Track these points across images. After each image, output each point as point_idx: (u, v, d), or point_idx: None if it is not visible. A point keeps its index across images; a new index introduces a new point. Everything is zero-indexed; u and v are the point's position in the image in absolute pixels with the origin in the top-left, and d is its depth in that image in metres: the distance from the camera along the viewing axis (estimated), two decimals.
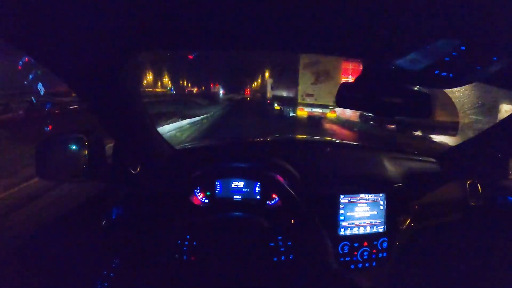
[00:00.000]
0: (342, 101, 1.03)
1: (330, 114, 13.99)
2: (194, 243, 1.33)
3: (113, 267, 1.28)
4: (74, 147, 1.11)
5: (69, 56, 0.87)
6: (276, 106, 20.03)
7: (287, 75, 17.07)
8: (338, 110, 13.48)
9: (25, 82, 10.21)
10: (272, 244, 1.34)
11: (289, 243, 1.35)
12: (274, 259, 1.34)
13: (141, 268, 1.39)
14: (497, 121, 1.45)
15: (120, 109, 1.14)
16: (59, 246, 1.00)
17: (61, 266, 0.98)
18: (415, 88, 0.99)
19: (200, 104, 24.51)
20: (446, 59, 0.74)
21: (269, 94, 25.24)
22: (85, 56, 0.88)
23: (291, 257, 1.35)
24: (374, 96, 1.00)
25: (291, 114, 15.82)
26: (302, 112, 13.94)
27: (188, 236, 1.33)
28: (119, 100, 1.10)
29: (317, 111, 13.66)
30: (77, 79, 0.98)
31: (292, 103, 15.36)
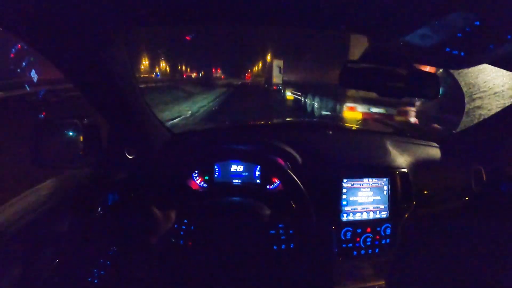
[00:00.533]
0: (345, 80, 0.98)
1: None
2: (192, 227, 1.32)
3: (110, 255, 1.26)
4: (68, 132, 1.09)
5: (58, 37, 0.83)
6: (289, 96, 15.14)
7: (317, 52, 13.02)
8: None
9: (18, 70, 10.10)
10: (273, 232, 1.32)
11: (290, 232, 1.32)
12: (274, 247, 1.32)
13: (138, 255, 1.38)
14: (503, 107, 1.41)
15: (113, 91, 1.10)
16: (53, 235, 0.98)
17: (56, 256, 0.96)
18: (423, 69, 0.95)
19: (190, 93, 19.20)
20: (458, 35, 0.70)
21: (276, 79, 21.65)
22: (74, 36, 0.84)
23: (291, 245, 1.33)
24: (379, 75, 0.96)
25: (327, 112, 9.33)
26: (354, 113, 7.31)
27: (185, 221, 1.32)
28: (112, 81, 1.07)
29: (378, 111, 7.10)
30: (67, 61, 0.94)
31: (331, 93, 9.20)
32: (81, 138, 1.08)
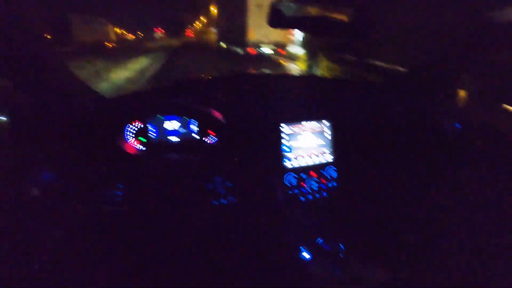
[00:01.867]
0: (275, 20, 0.92)
1: None
2: (129, 192, 1.27)
3: (55, 236, 1.19)
4: None
5: None
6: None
7: None
8: None
9: None
10: (210, 185, 1.29)
11: (228, 184, 1.30)
12: (214, 202, 1.30)
13: (80, 230, 1.30)
14: None
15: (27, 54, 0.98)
16: None
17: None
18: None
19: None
20: None
21: (254, 33, 11.73)
22: None
23: (232, 199, 1.32)
24: (313, 13, 0.91)
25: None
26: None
27: (121, 186, 1.26)
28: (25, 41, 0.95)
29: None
30: None
31: None
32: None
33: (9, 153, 1.13)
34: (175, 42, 29.79)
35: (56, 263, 1.18)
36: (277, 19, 0.94)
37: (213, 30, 29.66)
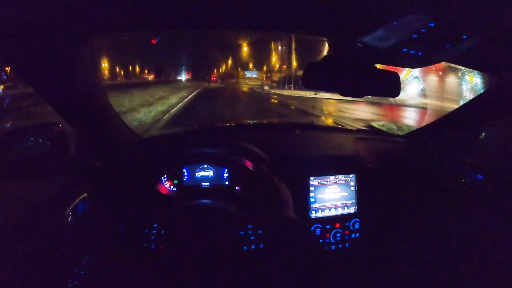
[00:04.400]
0: (308, 81, 0.98)
1: None
2: (162, 232, 1.31)
3: (83, 264, 1.22)
4: (35, 140, 1.06)
5: (22, 46, 0.81)
6: None
7: None
8: None
9: None
10: (242, 232, 1.33)
11: (259, 232, 1.33)
12: (245, 248, 1.33)
13: (111, 262, 1.34)
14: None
15: (78, 97, 1.07)
16: (25, 248, 0.92)
17: (29, 269, 0.91)
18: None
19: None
20: (414, 36, 0.71)
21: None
22: (39, 43, 0.82)
23: (261, 245, 1.34)
24: (341, 76, 0.96)
25: None
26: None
27: (155, 225, 1.30)
28: (77, 88, 1.04)
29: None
30: (32, 69, 0.91)
31: None
32: (49, 146, 1.05)
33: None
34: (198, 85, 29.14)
35: None
36: (310, 80, 1.00)
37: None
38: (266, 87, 24.02)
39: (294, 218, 0.91)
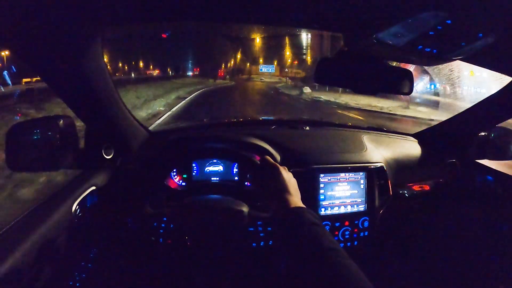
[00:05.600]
0: (321, 77, 0.98)
1: None
2: (171, 226, 1.31)
3: (91, 257, 1.24)
4: (44, 133, 1.05)
5: (33, 37, 0.80)
6: None
7: None
8: None
9: None
10: (251, 229, 1.33)
11: (268, 229, 1.33)
12: (253, 244, 1.33)
13: (119, 255, 1.36)
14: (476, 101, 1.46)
15: (88, 90, 1.07)
16: (32, 241, 0.94)
17: (36, 262, 0.92)
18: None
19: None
20: (430, 33, 0.70)
21: None
22: (49, 36, 0.82)
23: (270, 242, 1.34)
24: (354, 72, 0.96)
25: None
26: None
27: (164, 219, 1.31)
28: (87, 81, 1.04)
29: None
30: (42, 62, 0.91)
31: None
32: (58, 139, 1.04)
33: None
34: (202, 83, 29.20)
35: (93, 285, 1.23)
36: (322, 76, 1.00)
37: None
38: (307, 90, 19.53)
39: (303, 206, 0.90)
